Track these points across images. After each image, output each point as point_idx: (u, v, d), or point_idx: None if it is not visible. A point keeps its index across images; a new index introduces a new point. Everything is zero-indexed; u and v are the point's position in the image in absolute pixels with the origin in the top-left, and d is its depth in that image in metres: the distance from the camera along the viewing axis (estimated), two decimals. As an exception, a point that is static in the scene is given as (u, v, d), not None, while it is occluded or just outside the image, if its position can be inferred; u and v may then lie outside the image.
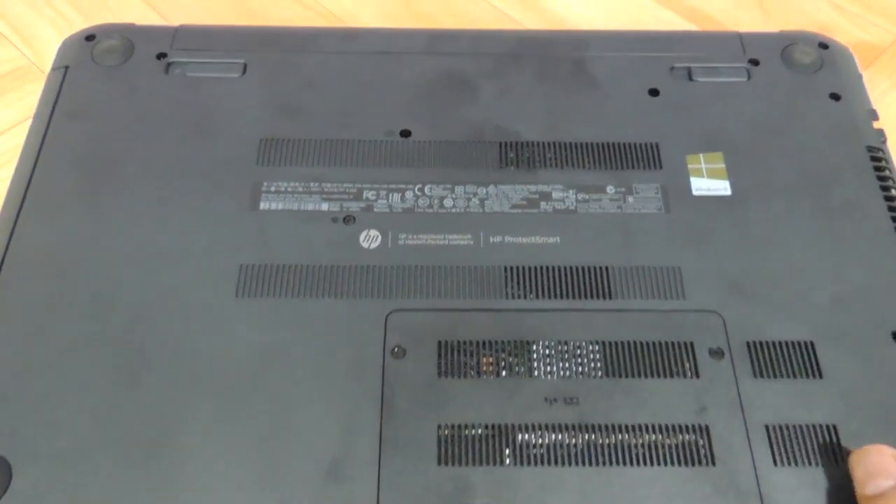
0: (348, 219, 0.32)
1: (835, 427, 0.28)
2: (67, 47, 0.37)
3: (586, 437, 0.27)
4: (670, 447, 0.27)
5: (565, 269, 0.31)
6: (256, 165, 0.34)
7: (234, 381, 0.28)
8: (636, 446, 0.27)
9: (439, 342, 0.29)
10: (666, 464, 0.27)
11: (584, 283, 0.31)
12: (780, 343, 0.29)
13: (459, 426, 0.27)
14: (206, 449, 0.27)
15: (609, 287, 0.31)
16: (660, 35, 0.39)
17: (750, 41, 0.37)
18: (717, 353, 0.29)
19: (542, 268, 0.31)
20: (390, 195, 0.33)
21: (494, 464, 0.27)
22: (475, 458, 0.27)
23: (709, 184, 0.34)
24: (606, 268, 0.31)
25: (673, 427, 0.28)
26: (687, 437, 0.27)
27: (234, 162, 0.34)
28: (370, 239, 0.32)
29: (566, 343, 0.29)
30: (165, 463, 0.26)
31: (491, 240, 0.32)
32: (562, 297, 0.31)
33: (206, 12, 0.52)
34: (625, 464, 0.27)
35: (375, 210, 0.33)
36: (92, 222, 0.32)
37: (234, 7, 0.52)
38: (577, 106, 0.36)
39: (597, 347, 0.29)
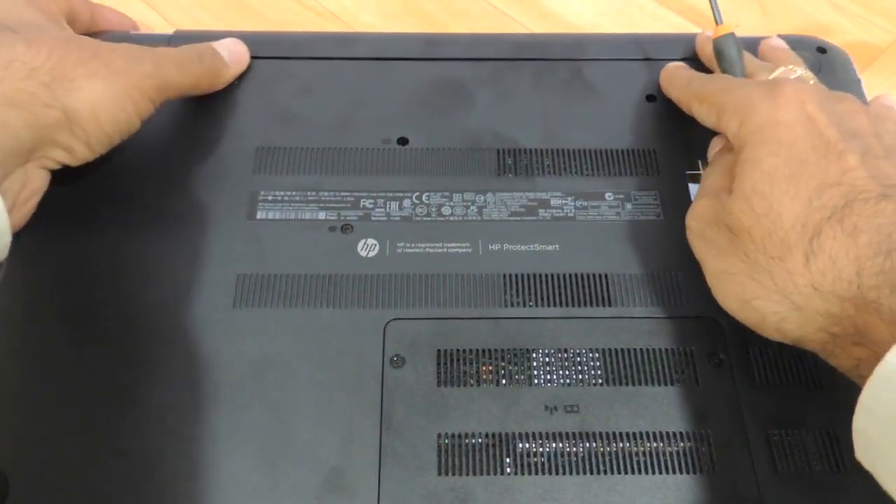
0: (346, 227, 0.32)
1: (835, 433, 0.28)
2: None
3: (587, 445, 0.27)
4: (671, 455, 0.27)
5: (564, 276, 0.31)
6: (253, 174, 0.34)
7: (233, 391, 0.28)
8: (637, 454, 0.27)
9: (438, 351, 0.29)
10: (667, 472, 0.27)
11: (584, 291, 0.31)
12: (779, 350, 0.29)
13: (459, 435, 0.27)
14: (205, 460, 0.27)
15: (608, 294, 0.31)
16: (657, 39, 0.39)
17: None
18: (716, 361, 0.29)
19: (541, 275, 0.31)
20: (388, 203, 0.33)
21: (495, 473, 0.27)
22: (475, 468, 0.27)
23: (707, 190, 0.33)
24: (605, 275, 0.31)
25: (673, 434, 0.28)
26: (688, 444, 0.27)
27: (231, 171, 0.34)
28: (368, 248, 0.32)
29: (566, 351, 0.29)
30: (164, 474, 0.26)
31: (490, 247, 0.32)
32: (561, 304, 0.30)
33: (206, 12, 0.51)
34: (626, 472, 0.27)
35: (373, 218, 0.33)
36: (88, 232, 0.32)
37: (233, 7, 0.52)
38: (575, 112, 0.36)
39: (596, 355, 0.29)
